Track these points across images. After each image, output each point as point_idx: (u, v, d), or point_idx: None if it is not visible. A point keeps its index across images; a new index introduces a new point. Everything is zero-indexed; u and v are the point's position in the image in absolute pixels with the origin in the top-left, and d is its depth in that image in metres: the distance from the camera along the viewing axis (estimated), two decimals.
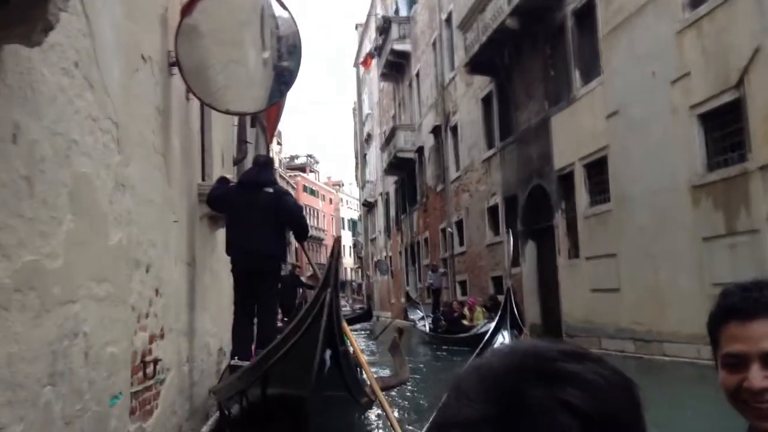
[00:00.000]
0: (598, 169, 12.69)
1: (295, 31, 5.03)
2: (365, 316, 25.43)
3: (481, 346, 9.32)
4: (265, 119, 10.42)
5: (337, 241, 4.39)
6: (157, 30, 4.53)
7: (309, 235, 4.90)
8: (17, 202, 2.19)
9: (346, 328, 4.91)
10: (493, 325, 11.29)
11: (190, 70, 4.85)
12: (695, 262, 9.85)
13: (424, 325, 19.09)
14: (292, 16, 4.95)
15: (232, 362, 5.63)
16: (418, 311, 20.76)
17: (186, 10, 4.84)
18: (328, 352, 4.18)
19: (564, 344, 0.60)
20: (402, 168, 28.80)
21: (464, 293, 20.11)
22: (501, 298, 14.26)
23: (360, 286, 40.10)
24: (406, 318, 21.89)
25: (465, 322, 16.52)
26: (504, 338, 10.57)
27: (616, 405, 0.55)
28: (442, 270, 21.45)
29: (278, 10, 4.98)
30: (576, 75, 13.46)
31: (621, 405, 0.56)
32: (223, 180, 6.00)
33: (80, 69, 2.84)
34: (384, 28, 29.40)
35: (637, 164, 11.19)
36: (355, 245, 59.82)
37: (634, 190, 11.30)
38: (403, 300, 23.66)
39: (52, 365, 2.43)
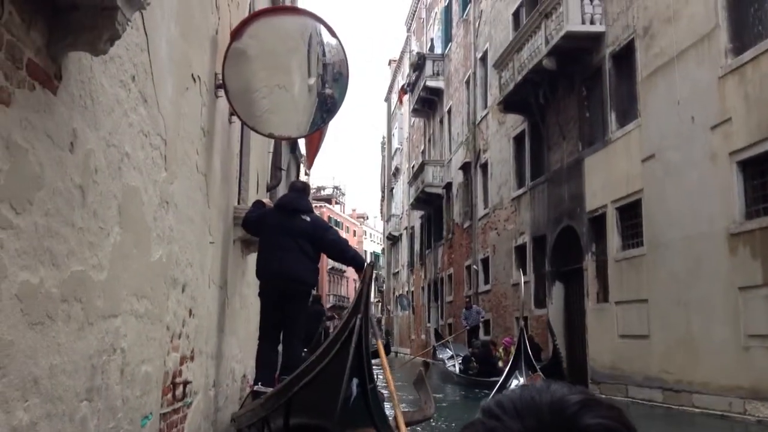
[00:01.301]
0: (631, 213, 12.50)
1: (342, 59, 5.04)
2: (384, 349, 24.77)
3: (495, 390, 8.99)
4: (307, 145, 10.46)
5: (370, 266, 4.27)
6: (207, 51, 4.56)
7: (365, 262, 4.76)
8: (70, 211, 2.16)
9: (383, 355, 4.80)
10: (507, 369, 10.98)
11: (236, 93, 4.88)
12: (730, 311, 9.59)
13: (453, 366, 17.43)
14: (340, 44, 4.96)
15: (256, 387, 5.53)
16: (448, 350, 19.07)
17: (235, 34, 4.87)
18: (355, 382, 4.06)
19: (581, 392, 0.62)
20: (429, 203, 28.76)
21: (487, 333, 19.83)
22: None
23: (379, 321, 39.64)
24: (434, 357, 20.22)
25: (501, 364, 15.15)
26: (519, 382, 10.29)
27: None
28: (476, 307, 19.75)
29: (327, 37, 5.00)
30: (612, 117, 13.37)
31: None
32: (259, 203, 5.97)
33: (137, 83, 2.84)
34: (418, 65, 29.64)
35: (672, 209, 11.01)
36: (376, 279, 59.61)
37: (669, 236, 11.10)
38: (432, 340, 21.87)
39: (90, 380, 2.37)
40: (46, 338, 1.99)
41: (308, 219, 5.45)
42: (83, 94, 2.25)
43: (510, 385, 9.81)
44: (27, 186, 1.86)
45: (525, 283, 17.16)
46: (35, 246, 1.90)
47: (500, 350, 15.91)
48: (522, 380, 10.28)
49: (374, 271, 4.58)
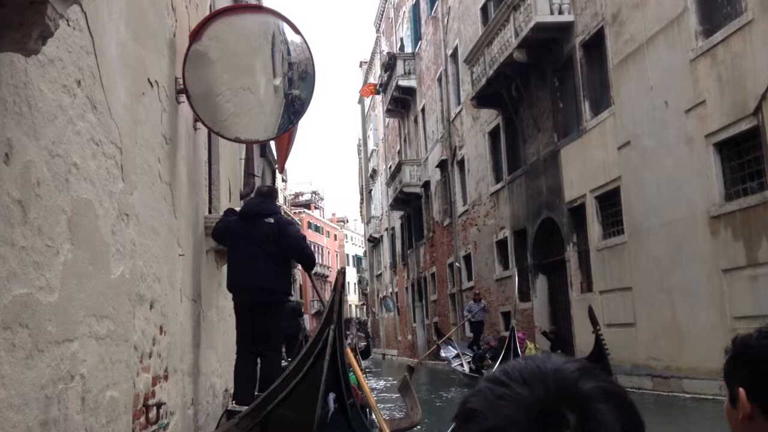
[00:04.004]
0: (610, 201, 12.46)
1: (307, 57, 4.86)
2: (363, 353, 23.79)
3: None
4: (276, 148, 10.26)
5: (341, 273, 4.06)
6: (165, 54, 4.35)
7: (315, 264, 4.57)
8: (8, 229, 1.95)
9: (356, 366, 4.62)
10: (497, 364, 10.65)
11: (199, 97, 4.68)
12: (715, 294, 9.55)
13: (461, 365, 16.10)
14: (305, 41, 4.79)
15: (230, 407, 5.32)
16: (452, 348, 17.47)
17: (194, 35, 4.67)
18: (332, 396, 3.88)
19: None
20: (408, 203, 28.64)
21: (471, 330, 19.69)
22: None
23: (364, 323, 39.32)
24: (437, 357, 18.82)
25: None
26: None
27: (635, 410, 0.64)
28: (484, 302, 17.89)
29: (290, 35, 4.82)
30: (586, 106, 13.32)
31: (636, 410, 0.64)
32: (230, 212, 5.76)
33: (83, 88, 2.64)
34: (389, 65, 29.51)
35: (651, 195, 10.96)
36: (360, 282, 59.36)
37: (649, 222, 11.05)
38: (435, 337, 20.23)
39: (44, 412, 2.16)
40: None
41: (272, 221, 5.24)
42: (18, 100, 2.05)
43: None
44: None
45: (501, 278, 17.01)
46: None
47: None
48: None
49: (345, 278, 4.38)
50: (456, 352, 16.93)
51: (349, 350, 4.86)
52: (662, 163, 10.65)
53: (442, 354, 17.85)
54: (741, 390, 1.18)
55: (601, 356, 9.46)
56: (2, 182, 1.93)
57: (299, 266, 5.87)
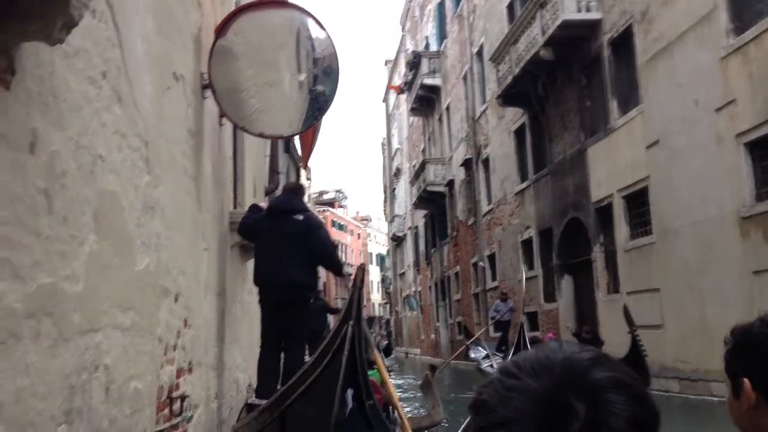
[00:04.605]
0: (638, 201, 12.29)
1: (332, 53, 4.84)
2: (385, 351, 23.54)
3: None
4: (301, 144, 10.28)
5: (361, 269, 4.03)
6: (190, 49, 4.37)
7: (342, 269, 4.55)
8: (33, 219, 1.96)
9: (380, 364, 4.59)
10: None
11: (224, 92, 4.69)
12: (745, 296, 9.37)
13: (491, 366, 15.44)
14: (329, 37, 4.77)
15: (249, 400, 5.33)
16: (481, 349, 16.94)
17: (220, 31, 4.68)
18: (350, 392, 3.85)
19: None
20: (432, 202, 28.55)
21: (496, 330, 19.54)
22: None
23: (387, 322, 39.22)
24: (466, 357, 17.77)
25: None
26: None
27: (648, 400, 0.62)
28: (511, 302, 17.29)
29: (315, 31, 4.81)
30: (614, 105, 13.16)
31: (650, 400, 0.62)
32: (255, 208, 5.78)
33: (108, 80, 2.65)
34: (414, 63, 29.45)
35: (680, 195, 10.79)
36: (383, 280, 59.34)
37: (678, 222, 10.88)
38: (460, 337, 19.33)
39: (68, 401, 2.17)
40: (10, 359, 1.80)
41: (301, 218, 5.24)
42: (43, 90, 2.05)
43: None
44: None
45: (527, 279, 16.68)
46: None
47: None
48: None
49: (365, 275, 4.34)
50: (485, 352, 16.50)
51: (374, 348, 4.84)
52: (692, 163, 10.48)
53: (471, 355, 17.38)
54: (745, 380, 1.16)
55: (638, 358, 9.14)
56: (27, 172, 1.94)
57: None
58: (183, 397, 3.71)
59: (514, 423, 0.59)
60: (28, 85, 1.95)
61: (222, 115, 5.05)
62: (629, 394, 0.61)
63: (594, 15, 13.61)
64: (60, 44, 1.97)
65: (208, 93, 4.68)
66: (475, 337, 17.36)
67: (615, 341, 12.93)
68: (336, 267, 5.44)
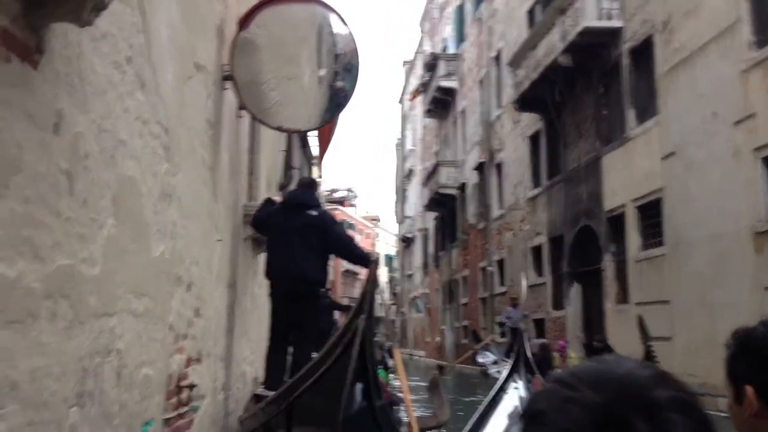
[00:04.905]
0: (651, 212, 12.22)
1: (353, 49, 4.84)
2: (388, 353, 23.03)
3: (493, 395, 8.08)
4: (318, 139, 10.29)
5: (374, 263, 4.00)
6: (213, 40, 4.37)
7: (369, 258, 4.44)
8: (55, 199, 1.96)
9: (399, 358, 4.57)
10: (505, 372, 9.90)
11: (244, 84, 4.70)
12: (756, 312, 9.24)
13: (498, 372, 14.51)
14: (351, 33, 4.77)
15: (257, 391, 5.32)
16: (489, 354, 16.67)
17: (243, 23, 4.69)
18: (359, 387, 3.84)
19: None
20: (443, 204, 28.51)
21: (503, 336, 19.42)
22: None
23: (393, 322, 39.14)
24: (474, 362, 17.71)
25: (558, 369, 13.85)
26: (518, 385, 9.23)
27: (708, 422, 0.61)
28: (523, 308, 16.51)
29: (337, 27, 4.80)
30: (631, 114, 13.09)
31: (709, 421, 0.62)
32: (269, 201, 5.78)
33: (132, 66, 2.65)
34: (431, 65, 29.43)
35: (694, 208, 10.72)
36: (390, 281, 59.28)
37: (691, 235, 10.80)
38: (463, 341, 18.78)
39: (81, 384, 2.17)
40: (27, 338, 1.79)
41: (315, 213, 5.22)
42: (70, 71, 2.05)
43: (508, 388, 8.78)
44: (1, 168, 1.66)
45: (536, 285, 16.47)
46: (12, 236, 1.71)
47: (556, 355, 14.27)
48: (521, 383, 9.31)
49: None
50: (494, 358, 16.26)
51: (397, 352, 4.82)
52: (708, 175, 10.41)
53: (479, 360, 17.21)
54: (749, 388, 1.13)
55: None
56: (51, 152, 1.94)
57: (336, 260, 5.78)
58: (191, 387, 3.71)
59: None
60: (55, 66, 1.95)
61: (241, 107, 5.05)
62: (690, 414, 0.60)
63: (615, 23, 13.55)
64: (88, 26, 1.97)
65: (228, 84, 4.68)
66: (484, 342, 17.21)
67: (623, 352, 12.83)
68: (361, 258, 5.26)
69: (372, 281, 3.68)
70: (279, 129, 5.40)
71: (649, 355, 8.67)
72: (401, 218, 44.67)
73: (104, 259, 2.34)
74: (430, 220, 33.07)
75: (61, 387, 2.01)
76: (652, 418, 0.58)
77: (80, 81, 2.14)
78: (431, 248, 33.32)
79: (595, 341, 13.12)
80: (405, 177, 43.71)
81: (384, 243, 74.12)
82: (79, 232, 2.13)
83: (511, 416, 6.46)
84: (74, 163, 2.09)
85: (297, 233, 5.08)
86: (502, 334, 17.71)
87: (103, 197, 2.35)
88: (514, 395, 7.07)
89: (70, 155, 2.06)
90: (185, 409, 3.67)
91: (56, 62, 1.96)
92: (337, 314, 15.43)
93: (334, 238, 5.19)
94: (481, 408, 6.77)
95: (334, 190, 73.42)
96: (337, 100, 5.00)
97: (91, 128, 2.23)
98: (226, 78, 4.65)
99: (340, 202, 69.68)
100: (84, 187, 2.17)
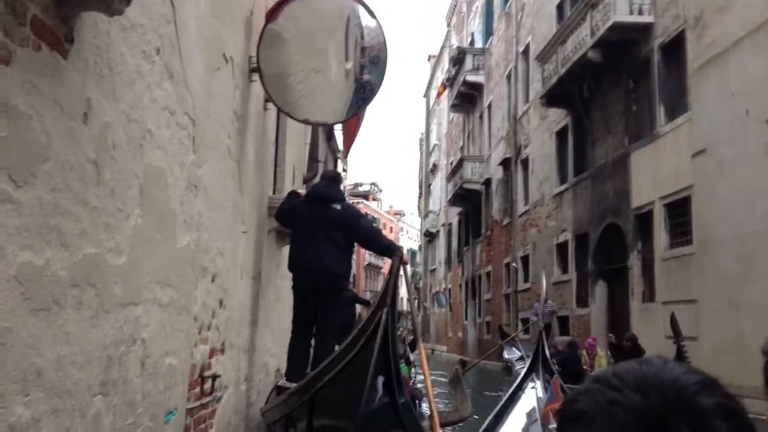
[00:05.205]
0: (680, 210, 12.03)
1: (381, 42, 4.81)
2: (411, 346, 22.69)
3: (509, 393, 7.89)
4: (343, 132, 10.28)
5: (398, 256, 3.93)
6: (241, 32, 4.37)
7: (397, 248, 4.36)
8: (82, 188, 1.97)
9: (423, 351, 4.54)
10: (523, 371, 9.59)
11: (271, 77, 4.68)
12: None
13: (523, 368, 15.05)
14: (379, 26, 4.73)
15: (280, 382, 5.33)
16: (516, 350, 16.13)
17: (271, 15, 4.68)
18: (380, 380, 3.81)
19: (699, 371, 0.62)
20: (467, 199, 28.38)
21: (527, 332, 19.27)
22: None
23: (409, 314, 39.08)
24: (500, 359, 17.36)
25: (585, 367, 13.14)
26: (535, 385, 8.99)
27: (751, 427, 0.61)
28: (551, 302, 16.19)
29: (365, 19, 4.77)
30: (660, 111, 12.89)
31: (753, 427, 0.61)
32: (293, 194, 5.78)
33: (161, 56, 2.65)
34: (458, 59, 29.25)
35: (724, 206, 10.53)
36: (413, 276, 59.22)
37: (720, 234, 10.62)
38: (488, 336, 18.36)
39: (105, 372, 2.19)
40: (53, 326, 1.81)
41: (339, 207, 5.19)
42: (99, 61, 2.06)
43: (526, 388, 8.56)
44: (30, 157, 1.67)
45: (559, 282, 16.18)
46: (39, 224, 1.72)
47: (583, 353, 13.71)
48: (538, 383, 9.07)
49: (407, 263, 4.22)
50: (520, 354, 15.81)
51: (421, 345, 4.78)
52: (738, 174, 10.22)
53: (506, 355, 16.84)
54: None
55: None
56: (79, 141, 1.95)
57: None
58: (214, 377, 3.73)
59: None
60: (85, 55, 1.96)
61: (267, 99, 5.05)
62: (737, 424, 0.60)
63: (646, 18, 13.33)
64: (118, 16, 1.97)
65: (256, 77, 4.68)
66: (511, 337, 16.87)
67: (649, 351, 12.70)
68: (389, 249, 5.17)
69: (395, 274, 3.65)
70: (305, 122, 5.39)
71: (681, 354, 8.51)
72: (425, 213, 44.58)
73: (130, 248, 2.35)
74: (454, 215, 32.96)
75: (85, 375, 2.02)
76: (697, 424, 0.57)
77: (109, 71, 2.14)
78: (455, 243, 33.23)
79: (624, 340, 12.78)
80: (429, 171, 43.62)
81: (407, 238, 74.09)
82: (105, 221, 2.14)
83: (528, 415, 6.41)
84: (102, 152, 2.10)
85: (320, 227, 5.07)
86: (526, 331, 17.58)
87: (130, 187, 2.36)
88: (532, 395, 7.01)
89: (98, 145, 2.07)
90: (208, 399, 3.69)
91: (86, 51, 1.97)
92: (359, 308, 15.41)
93: (360, 232, 5.17)
94: (498, 406, 6.73)
95: (358, 184, 73.57)
96: (363, 93, 4.97)
97: (119, 118, 2.24)
98: (254, 70, 4.65)
99: (365, 196, 69.82)
100: (111, 177, 2.18)
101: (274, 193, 6.30)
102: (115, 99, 2.20)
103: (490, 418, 6.27)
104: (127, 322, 2.36)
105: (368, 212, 63.50)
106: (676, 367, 0.63)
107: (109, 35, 2.13)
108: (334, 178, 5.68)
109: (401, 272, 3.93)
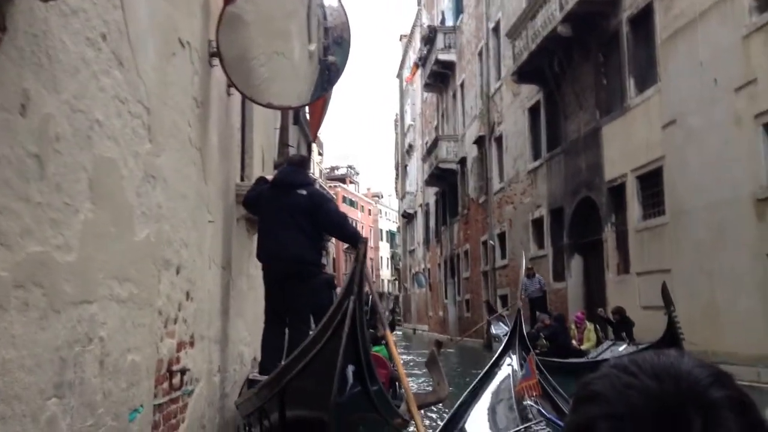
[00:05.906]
0: (652, 181, 12.11)
1: (344, 22, 4.71)
2: (389, 327, 22.48)
3: (486, 369, 7.74)
4: (309, 115, 10.16)
5: (364, 243, 3.91)
6: (198, 15, 4.25)
7: (361, 239, 4.32)
8: (23, 184, 1.88)
9: (390, 339, 4.51)
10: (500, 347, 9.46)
11: (232, 61, 4.56)
12: (758, 280, 9.23)
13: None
14: (341, 5, 4.64)
15: (251, 376, 5.27)
16: (503, 326, 15.37)
17: None
18: (351, 368, 3.77)
19: (712, 365, 0.65)
20: (443, 179, 28.39)
21: (532, 308, 18.95)
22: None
23: (397, 298, 39.22)
24: (487, 334, 17.56)
25: (574, 342, 13.02)
26: (512, 362, 8.84)
27: (763, 424, 0.63)
28: (539, 276, 15.98)
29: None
30: (630, 83, 12.92)
31: (764, 424, 0.63)
32: (261, 180, 5.67)
33: (108, 43, 2.55)
34: (429, 38, 29.08)
35: (695, 176, 10.61)
36: (392, 257, 59.36)
37: (692, 203, 10.71)
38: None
39: (59, 374, 2.11)
40: None
41: (305, 193, 5.10)
42: (36, 50, 1.96)
43: (502, 364, 8.32)
44: None
45: (536, 257, 16.28)
46: None
47: (572, 326, 13.56)
48: (515, 360, 8.93)
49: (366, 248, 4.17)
50: (507, 329, 15.96)
51: (388, 332, 4.76)
52: (708, 143, 10.28)
53: (494, 331, 16.53)
54: None
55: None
56: (17, 135, 1.85)
57: (333, 239, 5.69)
58: (183, 371, 3.66)
59: (629, 418, 0.61)
60: (20, 44, 1.86)
61: (230, 84, 4.94)
62: (747, 417, 0.62)
63: None
64: (55, 2, 1.87)
65: (216, 61, 4.56)
66: (498, 313, 16.89)
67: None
68: (352, 238, 5.15)
69: (362, 261, 3.60)
70: (268, 106, 5.28)
71: (672, 324, 8.45)
72: (402, 194, 44.56)
73: (81, 244, 2.26)
74: (431, 195, 32.97)
75: (36, 379, 1.94)
76: (707, 413, 0.60)
77: (48, 60, 2.04)
78: (432, 223, 33.27)
79: (612, 314, 12.78)
80: (405, 152, 43.53)
81: (386, 219, 74.12)
82: (51, 217, 2.06)
83: (503, 391, 6.43)
84: (44, 145, 2.01)
85: (287, 213, 4.98)
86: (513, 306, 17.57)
87: (78, 181, 2.27)
88: (507, 371, 7.02)
89: (39, 137, 1.98)
90: (178, 393, 3.62)
91: (20, 40, 1.87)
92: (338, 290, 15.33)
93: (324, 216, 5.09)
94: (474, 382, 6.74)
95: (335, 168, 73.26)
96: (328, 75, 4.88)
97: (62, 109, 2.14)
98: (214, 55, 4.53)
99: (342, 179, 69.58)
100: (56, 171, 2.09)
101: (242, 180, 6.19)
102: (56, 89, 2.10)
103: (465, 393, 6.28)
104: (81, 321, 2.28)
105: (345, 195, 63.32)
106: (691, 360, 0.66)
107: (47, 22, 2.03)
108: (300, 163, 5.59)
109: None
